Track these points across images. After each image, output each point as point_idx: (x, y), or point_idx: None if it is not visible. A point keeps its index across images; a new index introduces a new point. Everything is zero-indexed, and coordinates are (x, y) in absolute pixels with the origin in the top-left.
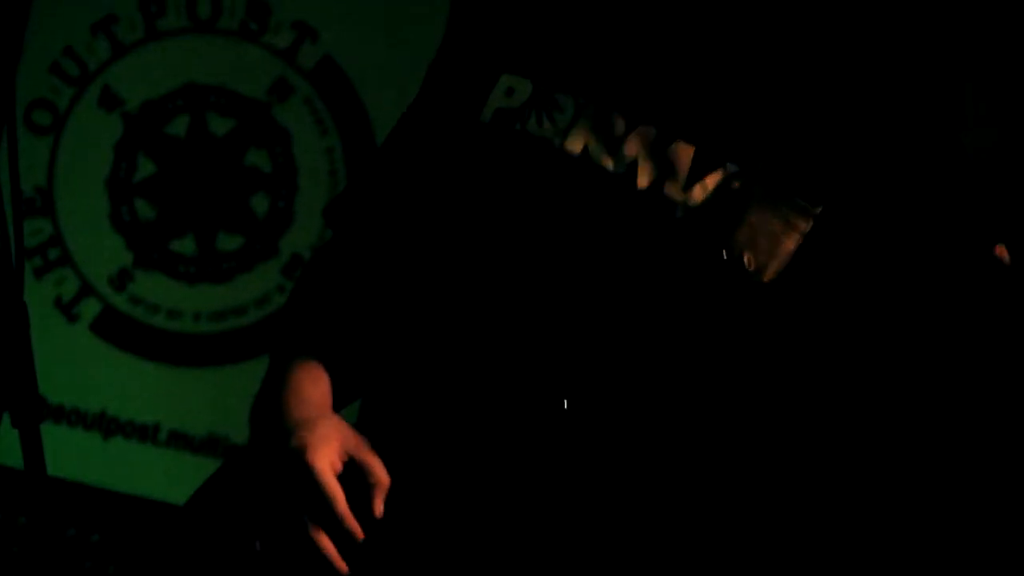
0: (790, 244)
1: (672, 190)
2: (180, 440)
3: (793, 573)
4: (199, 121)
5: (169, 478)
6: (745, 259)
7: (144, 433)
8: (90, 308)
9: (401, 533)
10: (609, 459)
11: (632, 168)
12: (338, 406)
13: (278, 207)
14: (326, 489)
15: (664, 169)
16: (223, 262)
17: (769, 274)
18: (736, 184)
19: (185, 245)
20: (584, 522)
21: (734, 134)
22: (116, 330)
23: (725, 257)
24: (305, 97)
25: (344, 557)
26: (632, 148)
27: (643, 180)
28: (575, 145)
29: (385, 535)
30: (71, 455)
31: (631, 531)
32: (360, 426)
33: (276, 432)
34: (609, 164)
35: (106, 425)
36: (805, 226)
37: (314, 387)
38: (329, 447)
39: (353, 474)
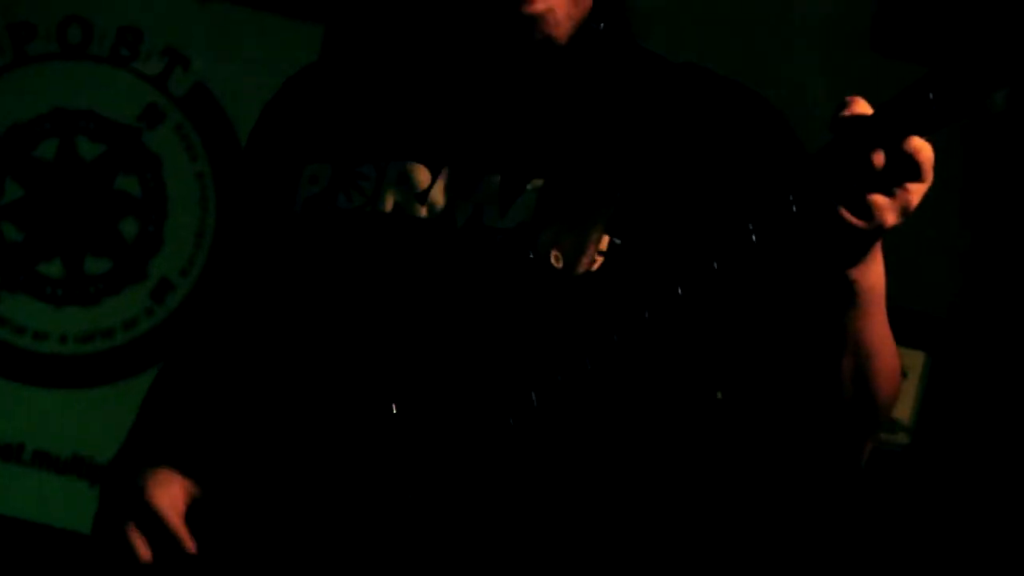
0: (596, 232)
1: (491, 220)
2: (45, 460)
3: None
4: (68, 145)
5: (34, 498)
6: (552, 257)
7: (8, 452)
8: None
9: (246, 557)
10: (437, 463)
11: (449, 210)
12: None
13: (147, 231)
14: (166, 522)
15: (477, 203)
16: (90, 285)
17: (581, 267)
18: (541, 192)
19: (52, 268)
20: (425, 525)
21: (533, 157)
22: None
23: (531, 257)
24: (176, 123)
25: None
26: (440, 193)
27: (461, 218)
28: (387, 205)
29: (230, 562)
30: None
31: (456, 534)
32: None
33: (124, 479)
34: (423, 212)
35: None
36: (607, 212)
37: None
38: (171, 486)
39: (200, 513)
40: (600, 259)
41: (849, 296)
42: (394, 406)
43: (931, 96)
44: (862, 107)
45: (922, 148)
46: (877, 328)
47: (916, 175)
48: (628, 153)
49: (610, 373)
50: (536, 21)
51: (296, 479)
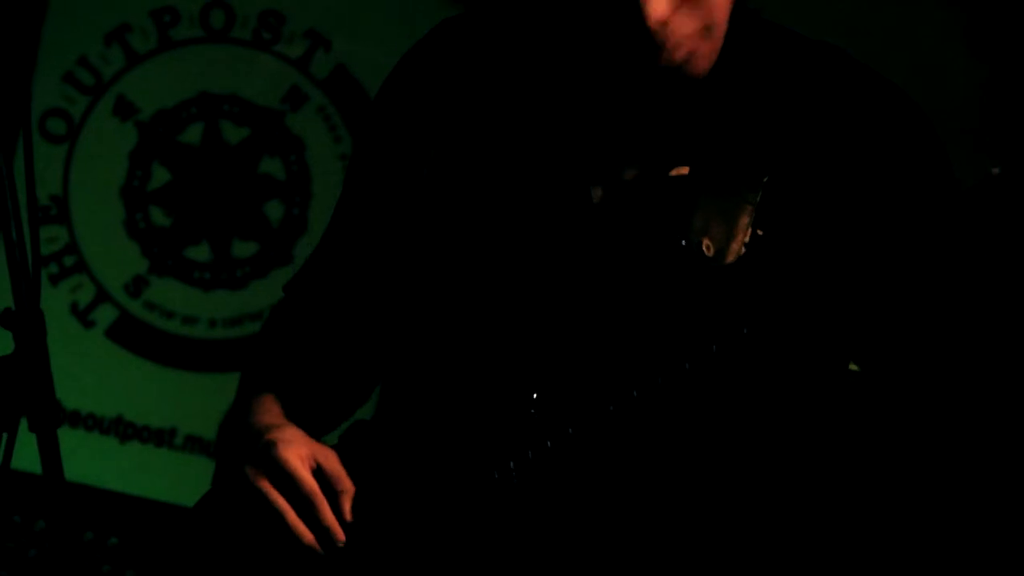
0: (745, 219)
1: (632, 204)
2: (196, 444)
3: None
4: (213, 129)
5: (185, 482)
6: (704, 245)
7: (160, 437)
8: (106, 314)
9: (370, 534)
10: (579, 449)
11: (588, 191)
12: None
13: (292, 214)
14: (297, 478)
15: (619, 187)
16: (238, 268)
17: (731, 256)
18: (686, 177)
19: (200, 252)
20: (552, 517)
21: (677, 145)
22: (131, 336)
23: (683, 245)
24: (319, 105)
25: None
26: (580, 175)
27: (597, 194)
28: (524, 183)
29: (356, 535)
30: (88, 460)
31: (595, 523)
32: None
33: (246, 436)
34: (563, 192)
35: (122, 430)
36: (755, 197)
37: (278, 406)
38: (299, 446)
39: (322, 482)
40: (743, 250)
41: None
42: (535, 394)
43: None
44: None
45: None
46: None
47: None
48: (774, 145)
49: (749, 359)
50: (674, 72)
51: (425, 455)
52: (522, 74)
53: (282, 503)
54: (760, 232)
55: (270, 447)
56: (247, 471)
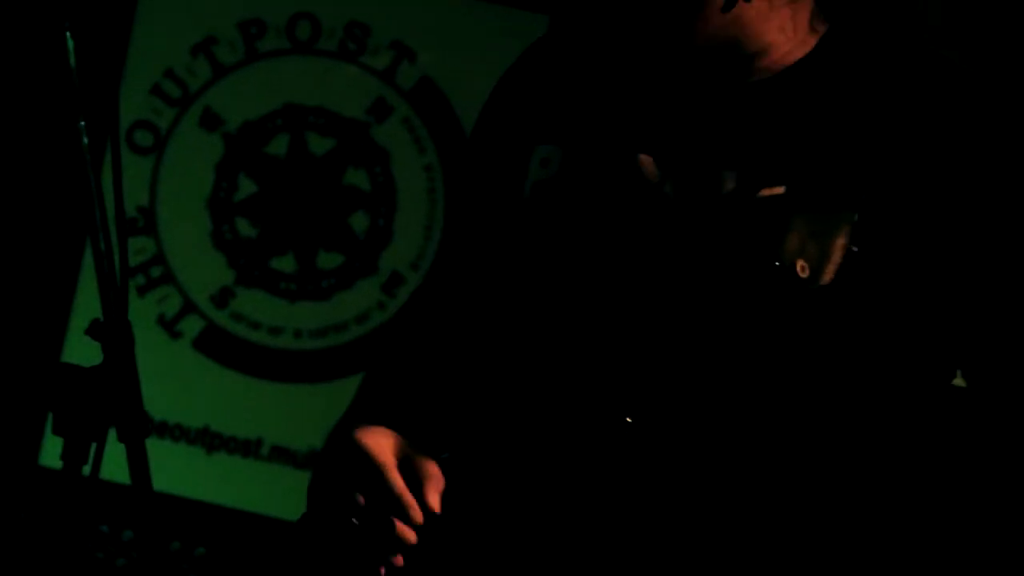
0: (841, 238)
1: (725, 222)
2: (282, 455)
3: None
4: (299, 141)
5: (272, 492)
6: (798, 267)
7: (247, 448)
8: (193, 325)
9: (454, 536)
10: (673, 474)
11: (683, 207)
12: None
13: (377, 225)
14: (379, 464)
15: (711, 203)
16: (323, 279)
17: (826, 276)
18: (780, 195)
19: (286, 263)
20: (645, 536)
21: (772, 163)
22: (218, 347)
23: (777, 266)
24: (404, 117)
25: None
26: (673, 189)
27: (694, 216)
28: (617, 197)
29: (438, 531)
30: (175, 470)
31: (695, 544)
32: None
33: (341, 439)
34: (656, 207)
35: (209, 440)
36: (852, 216)
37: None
38: (385, 437)
39: (408, 473)
40: (839, 269)
41: None
42: (629, 417)
43: None
44: None
45: None
46: None
47: None
48: (870, 159)
49: (849, 373)
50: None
51: (511, 478)
52: (612, 83)
53: (356, 491)
54: (856, 249)
55: (356, 437)
56: (332, 467)
